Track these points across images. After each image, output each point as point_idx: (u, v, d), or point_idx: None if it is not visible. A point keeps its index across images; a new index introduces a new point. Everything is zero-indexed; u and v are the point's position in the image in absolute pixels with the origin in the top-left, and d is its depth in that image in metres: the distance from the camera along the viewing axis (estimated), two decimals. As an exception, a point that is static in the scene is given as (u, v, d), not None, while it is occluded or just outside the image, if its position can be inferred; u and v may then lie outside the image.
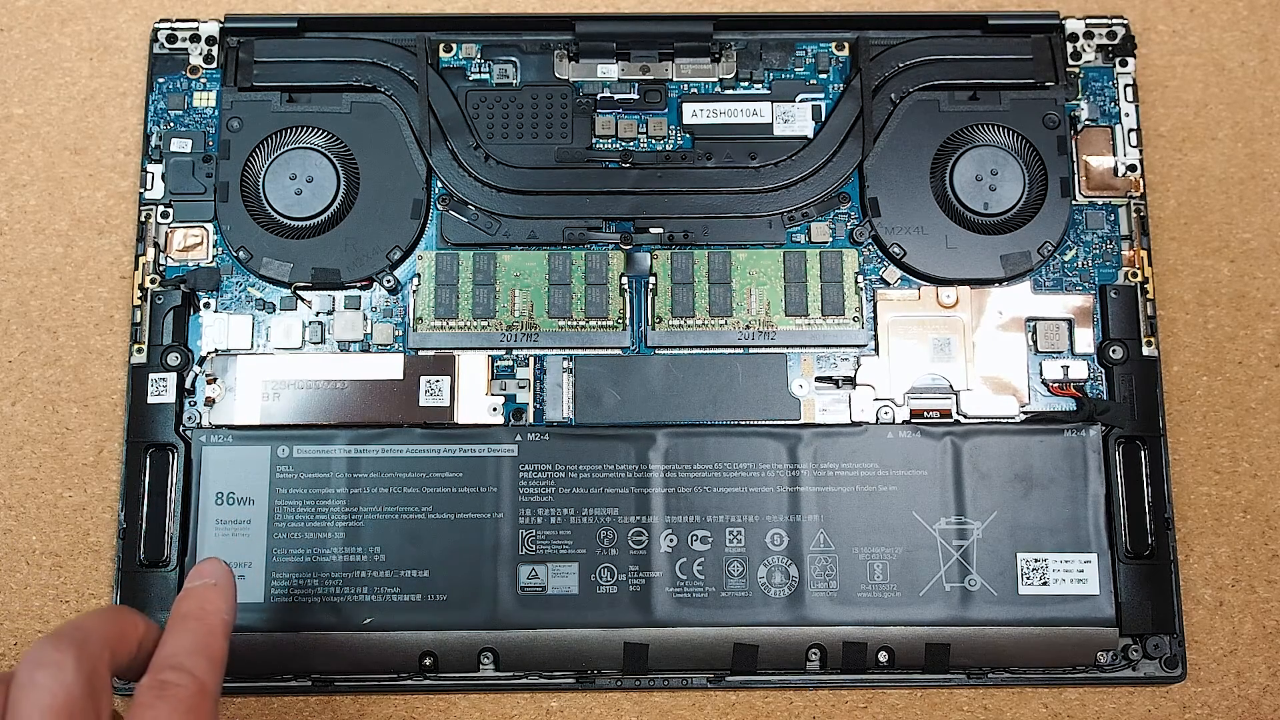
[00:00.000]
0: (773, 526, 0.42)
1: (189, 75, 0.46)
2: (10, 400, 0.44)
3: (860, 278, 0.44)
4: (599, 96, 0.46)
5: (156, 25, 0.46)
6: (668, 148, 0.46)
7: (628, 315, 0.44)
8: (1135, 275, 0.44)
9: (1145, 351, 0.44)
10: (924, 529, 0.42)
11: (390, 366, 0.43)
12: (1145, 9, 0.48)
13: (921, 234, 0.44)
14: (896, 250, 0.44)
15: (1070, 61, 0.46)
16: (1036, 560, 0.42)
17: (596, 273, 0.44)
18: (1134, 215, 0.45)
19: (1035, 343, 0.44)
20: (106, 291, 0.45)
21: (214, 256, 0.44)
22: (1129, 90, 0.46)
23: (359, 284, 0.44)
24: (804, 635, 0.41)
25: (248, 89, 0.45)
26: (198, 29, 0.46)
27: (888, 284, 0.44)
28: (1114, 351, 0.44)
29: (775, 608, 0.41)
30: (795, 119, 0.46)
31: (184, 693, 0.32)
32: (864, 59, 0.45)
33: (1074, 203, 0.45)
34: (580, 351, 0.44)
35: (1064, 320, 0.44)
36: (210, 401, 0.43)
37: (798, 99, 0.46)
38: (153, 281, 0.44)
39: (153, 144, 0.45)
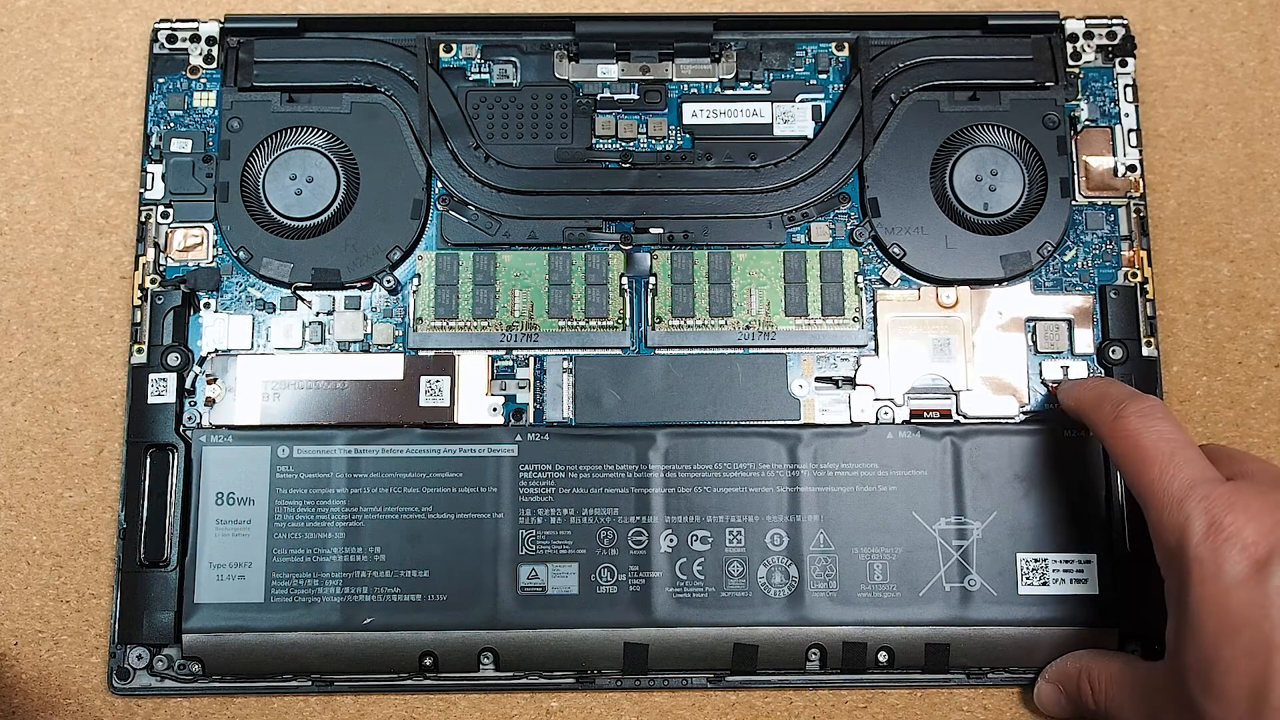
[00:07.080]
0: (772, 526, 0.42)
1: (189, 75, 0.46)
2: (10, 400, 0.44)
3: (860, 278, 0.44)
4: (599, 96, 0.46)
5: (156, 25, 0.46)
6: (668, 148, 0.45)
7: (628, 315, 0.44)
8: (1135, 275, 0.44)
9: (1145, 352, 0.44)
10: (924, 529, 0.42)
11: (390, 366, 0.43)
12: (1145, 9, 0.48)
13: (921, 234, 0.44)
14: (896, 250, 0.44)
15: (1070, 62, 0.46)
16: (1036, 560, 0.42)
17: (596, 273, 0.44)
18: (1134, 215, 0.45)
19: (1035, 343, 0.44)
20: (106, 291, 0.45)
21: (214, 256, 0.44)
22: (1129, 90, 0.46)
23: (359, 284, 0.44)
24: (804, 635, 0.41)
25: (248, 89, 0.45)
26: (198, 29, 0.46)
27: (888, 284, 0.44)
28: (1114, 352, 0.44)
29: (775, 608, 0.41)
30: (795, 119, 0.46)
31: None
32: (864, 59, 0.45)
33: (1074, 203, 0.45)
34: (580, 352, 0.44)
35: (1064, 320, 0.44)
36: (210, 402, 0.43)
37: (798, 99, 0.46)
38: (153, 282, 0.44)
39: (153, 144, 0.45)
